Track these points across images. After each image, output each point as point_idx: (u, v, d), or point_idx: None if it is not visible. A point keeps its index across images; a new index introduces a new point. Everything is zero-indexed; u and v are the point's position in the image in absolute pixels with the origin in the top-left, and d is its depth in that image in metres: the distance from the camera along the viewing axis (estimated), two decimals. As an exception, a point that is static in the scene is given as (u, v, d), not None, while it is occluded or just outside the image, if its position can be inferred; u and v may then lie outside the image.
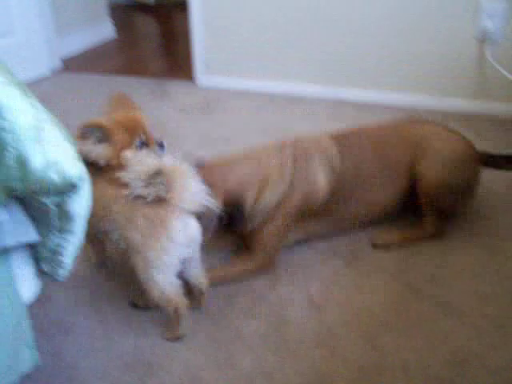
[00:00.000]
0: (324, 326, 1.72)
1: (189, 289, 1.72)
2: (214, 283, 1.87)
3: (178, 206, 1.51)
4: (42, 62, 4.20)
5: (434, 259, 2.01)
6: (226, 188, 1.87)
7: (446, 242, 2.09)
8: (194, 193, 1.53)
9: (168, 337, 1.69)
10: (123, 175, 1.52)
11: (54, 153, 1.02)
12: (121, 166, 1.61)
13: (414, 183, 2.10)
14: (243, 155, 2.01)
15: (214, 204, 1.61)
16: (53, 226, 1.18)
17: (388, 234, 2.11)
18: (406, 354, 1.61)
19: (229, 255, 2.07)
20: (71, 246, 1.26)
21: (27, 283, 1.34)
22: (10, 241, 1.14)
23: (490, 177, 2.36)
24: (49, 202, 1.10)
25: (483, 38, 3.14)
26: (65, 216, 1.15)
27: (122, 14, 6.47)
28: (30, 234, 1.19)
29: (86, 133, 1.68)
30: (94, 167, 1.62)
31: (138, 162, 1.55)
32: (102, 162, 1.68)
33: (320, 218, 2.06)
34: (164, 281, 1.57)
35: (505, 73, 3.13)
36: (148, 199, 1.49)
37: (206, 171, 1.82)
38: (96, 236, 1.62)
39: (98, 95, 3.54)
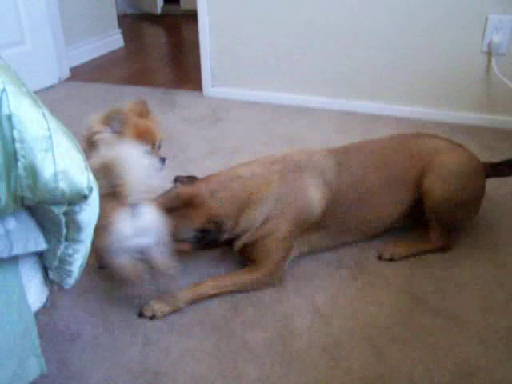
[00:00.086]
0: (329, 337, 1.72)
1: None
2: (220, 292, 1.89)
3: (126, 198, 1.52)
4: (51, 70, 4.23)
5: (440, 271, 2.01)
6: (206, 215, 1.85)
7: (452, 254, 2.09)
8: (144, 183, 1.53)
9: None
10: None
11: (63, 162, 1.03)
12: None
13: (420, 197, 2.09)
14: (230, 175, 1.97)
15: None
16: (61, 235, 1.19)
17: (394, 247, 2.11)
18: (411, 366, 1.61)
19: (229, 268, 2.08)
20: (79, 254, 1.27)
21: (35, 291, 1.35)
22: (19, 249, 1.14)
23: (495, 184, 2.37)
24: (58, 211, 1.10)
25: (490, 51, 3.14)
26: (73, 225, 1.16)
27: (129, 24, 6.52)
28: (39, 243, 1.20)
29: (110, 119, 1.78)
30: None
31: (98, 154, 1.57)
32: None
33: (323, 231, 2.07)
34: (121, 265, 1.60)
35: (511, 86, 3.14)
36: (101, 191, 1.49)
37: (192, 193, 1.86)
38: None
39: (106, 104, 3.55)
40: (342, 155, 2.12)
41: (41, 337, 1.41)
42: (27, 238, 1.16)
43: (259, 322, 1.79)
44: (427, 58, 3.32)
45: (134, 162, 1.52)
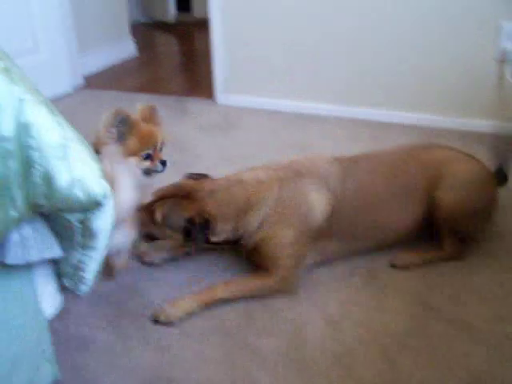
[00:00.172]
0: (342, 345, 1.71)
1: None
2: (233, 296, 1.91)
3: None
4: (65, 79, 4.26)
5: (453, 279, 2.01)
6: (199, 209, 1.89)
7: (465, 263, 2.09)
8: (127, 205, 1.52)
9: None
10: None
11: (79, 170, 1.05)
12: None
13: (431, 209, 2.09)
14: (233, 179, 2.01)
15: None
16: (76, 242, 1.20)
17: (407, 255, 2.10)
18: (423, 374, 1.60)
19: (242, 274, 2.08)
20: (93, 261, 1.28)
21: (49, 298, 1.36)
22: (34, 256, 1.15)
23: (507, 192, 2.35)
24: (73, 218, 1.12)
25: (503, 59, 3.14)
26: (88, 232, 1.17)
27: (142, 32, 6.55)
28: (54, 250, 1.21)
29: (116, 121, 1.86)
30: None
31: None
32: None
33: (335, 239, 2.07)
34: None
35: (524, 93, 3.13)
36: None
37: (193, 187, 1.95)
38: None
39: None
40: (348, 163, 2.13)
41: (54, 343, 1.42)
42: (42, 245, 1.17)
43: (272, 329, 1.79)
44: (440, 65, 3.32)
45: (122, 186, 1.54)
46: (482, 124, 3.29)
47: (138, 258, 2.15)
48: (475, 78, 3.25)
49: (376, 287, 1.98)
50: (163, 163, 2.01)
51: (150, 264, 2.14)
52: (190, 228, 1.88)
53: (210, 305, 1.88)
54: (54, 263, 1.33)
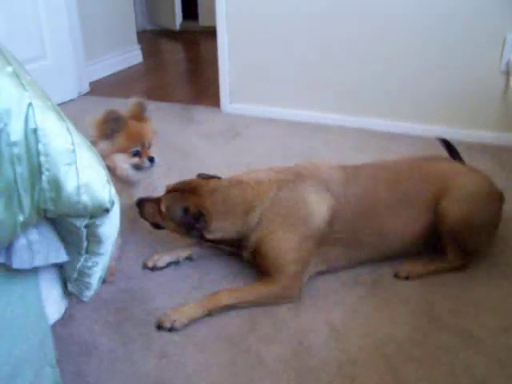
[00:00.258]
0: (345, 355, 1.71)
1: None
2: (237, 303, 1.91)
3: None
4: (71, 85, 4.29)
5: (457, 290, 2.00)
6: (197, 203, 1.96)
7: (469, 274, 2.08)
8: None
9: None
10: None
11: (86, 176, 1.05)
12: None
13: (435, 220, 2.08)
14: (234, 180, 2.07)
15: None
16: (81, 248, 1.20)
17: (411, 265, 2.10)
18: (427, 385, 1.60)
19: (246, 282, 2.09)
20: (98, 267, 1.28)
21: (54, 303, 1.36)
22: (40, 260, 1.16)
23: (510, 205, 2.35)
24: (79, 223, 1.12)
25: (508, 71, 3.14)
26: (94, 238, 1.18)
27: (148, 40, 6.58)
28: (60, 255, 1.21)
29: (109, 121, 1.94)
30: None
31: None
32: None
33: (338, 246, 2.07)
34: None
35: (530, 105, 3.14)
36: None
37: (198, 183, 2.06)
38: None
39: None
40: (352, 170, 2.16)
41: (58, 348, 1.43)
42: (48, 249, 1.18)
43: (275, 337, 1.79)
44: (445, 76, 3.32)
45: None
46: (487, 135, 3.30)
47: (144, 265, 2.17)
48: (481, 89, 3.25)
49: (380, 297, 1.98)
50: (151, 160, 2.07)
51: (153, 268, 2.15)
52: (185, 218, 1.97)
53: (214, 312, 1.88)
54: (59, 268, 1.34)
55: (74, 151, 1.04)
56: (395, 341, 1.77)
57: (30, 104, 0.98)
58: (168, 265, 2.17)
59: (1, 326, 1.15)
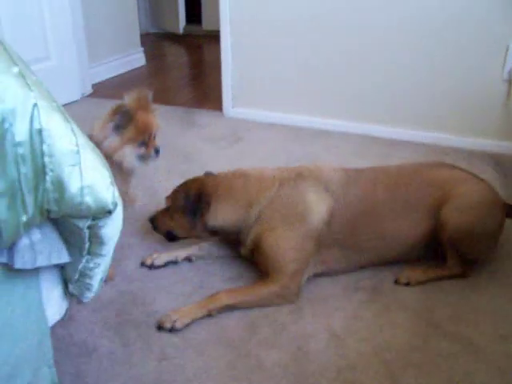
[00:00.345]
0: (345, 360, 1.71)
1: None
2: (236, 303, 1.93)
3: None
4: (74, 86, 4.30)
5: (457, 297, 2.00)
6: (200, 187, 2.06)
7: (469, 282, 2.08)
8: None
9: None
10: None
11: (90, 177, 1.05)
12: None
13: (437, 226, 2.08)
14: (240, 173, 2.13)
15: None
16: (83, 249, 1.20)
17: (411, 271, 2.10)
18: (426, 392, 1.60)
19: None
20: (99, 268, 1.28)
21: (55, 304, 1.37)
22: (42, 261, 1.16)
23: None
24: (82, 224, 1.12)
25: (511, 79, 3.15)
26: (96, 239, 1.18)
27: (151, 43, 6.59)
28: (62, 256, 1.21)
29: (118, 114, 1.98)
30: None
31: None
32: (105, 151, 1.95)
33: (337, 247, 2.07)
34: None
35: (532, 114, 3.14)
36: None
37: (207, 177, 2.17)
38: None
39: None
40: (353, 172, 2.17)
41: (57, 349, 1.43)
42: (51, 250, 1.18)
43: (275, 342, 1.79)
44: (447, 84, 3.32)
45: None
46: (489, 143, 3.30)
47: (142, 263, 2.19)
48: (483, 97, 3.25)
49: (380, 303, 1.98)
50: (157, 151, 2.11)
51: (151, 267, 2.16)
52: (187, 203, 2.04)
53: (214, 312, 1.89)
54: (61, 269, 1.34)
55: (78, 152, 1.04)
56: (395, 347, 1.77)
57: (35, 105, 0.98)
58: (166, 264, 2.18)
59: (1, 326, 1.15)
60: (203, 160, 3.20)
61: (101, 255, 1.24)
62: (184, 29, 7.28)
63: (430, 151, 3.28)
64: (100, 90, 4.57)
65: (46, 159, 1.00)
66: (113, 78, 4.97)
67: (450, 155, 3.14)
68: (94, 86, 4.62)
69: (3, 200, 0.97)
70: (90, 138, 2.01)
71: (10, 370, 1.20)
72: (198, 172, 2.27)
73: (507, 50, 3.11)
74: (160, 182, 2.85)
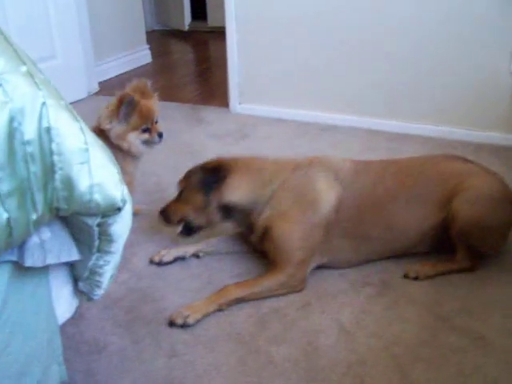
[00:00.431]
0: (354, 355, 1.71)
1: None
2: (245, 295, 1.94)
3: None
4: (81, 84, 4.31)
5: (466, 291, 2.00)
6: (216, 162, 2.14)
7: (478, 275, 2.08)
8: None
9: None
10: None
11: (99, 175, 1.06)
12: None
13: (447, 218, 2.06)
14: (258, 157, 2.21)
15: None
16: (93, 246, 1.21)
17: (420, 265, 2.09)
18: (436, 386, 1.60)
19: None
20: (109, 266, 1.29)
21: (65, 302, 1.37)
22: (52, 259, 1.16)
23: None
24: (91, 222, 1.13)
25: (518, 72, 3.14)
26: (105, 237, 1.18)
27: (157, 40, 6.59)
28: (72, 253, 1.22)
29: (124, 104, 2.12)
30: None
31: None
32: (113, 139, 2.17)
33: (345, 237, 2.08)
34: None
35: (539, 106, 3.13)
36: None
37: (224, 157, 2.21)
38: None
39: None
40: (363, 163, 2.20)
41: (68, 347, 1.44)
42: (61, 248, 1.18)
43: (284, 337, 1.80)
44: (454, 77, 3.31)
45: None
46: (497, 136, 3.29)
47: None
48: (491, 90, 3.24)
49: (389, 297, 1.98)
50: (160, 135, 2.25)
51: (159, 263, 2.17)
52: (203, 177, 2.08)
53: (224, 306, 1.91)
54: (71, 267, 1.34)
55: (87, 150, 1.04)
56: (404, 341, 1.77)
57: (43, 103, 0.99)
58: (175, 260, 2.19)
59: (12, 324, 1.16)
60: (210, 156, 3.17)
61: (110, 252, 1.24)
62: (189, 25, 7.26)
63: (438, 145, 3.27)
64: (106, 88, 4.57)
65: (55, 158, 1.00)
66: (119, 75, 4.97)
67: (458, 149, 3.12)
68: (100, 83, 4.62)
69: (13, 199, 0.97)
70: (97, 127, 2.17)
71: (20, 367, 1.20)
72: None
73: (514, 42, 3.10)
74: (166, 178, 2.85)
